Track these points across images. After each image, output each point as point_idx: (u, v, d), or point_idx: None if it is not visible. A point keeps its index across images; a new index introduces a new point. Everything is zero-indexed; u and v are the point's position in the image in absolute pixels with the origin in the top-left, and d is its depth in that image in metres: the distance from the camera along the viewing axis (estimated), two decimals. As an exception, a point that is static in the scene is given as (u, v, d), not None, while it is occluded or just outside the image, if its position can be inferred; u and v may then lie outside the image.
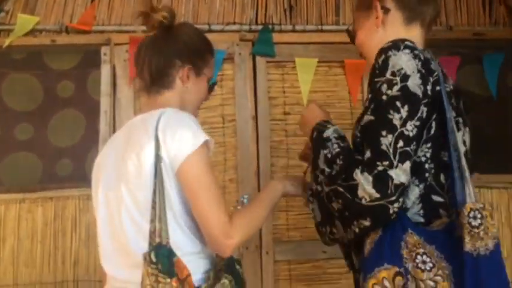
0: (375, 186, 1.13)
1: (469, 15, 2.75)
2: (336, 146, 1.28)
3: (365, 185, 1.14)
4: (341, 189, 1.18)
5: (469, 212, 1.15)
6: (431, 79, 1.22)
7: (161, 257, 1.19)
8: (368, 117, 1.22)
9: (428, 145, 1.22)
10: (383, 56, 1.23)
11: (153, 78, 1.44)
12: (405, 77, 1.19)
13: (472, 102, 2.71)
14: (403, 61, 1.20)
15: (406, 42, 1.24)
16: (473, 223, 1.14)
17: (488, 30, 2.73)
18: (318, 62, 2.61)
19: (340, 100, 2.63)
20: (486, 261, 1.13)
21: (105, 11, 2.68)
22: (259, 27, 2.65)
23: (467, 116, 1.35)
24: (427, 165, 1.23)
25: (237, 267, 1.35)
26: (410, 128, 1.16)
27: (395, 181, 1.13)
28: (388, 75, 1.20)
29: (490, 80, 2.67)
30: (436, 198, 1.23)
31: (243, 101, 2.61)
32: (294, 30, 2.68)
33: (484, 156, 2.51)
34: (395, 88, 1.18)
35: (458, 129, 1.28)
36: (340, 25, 2.70)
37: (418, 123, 1.17)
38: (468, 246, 1.12)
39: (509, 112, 2.70)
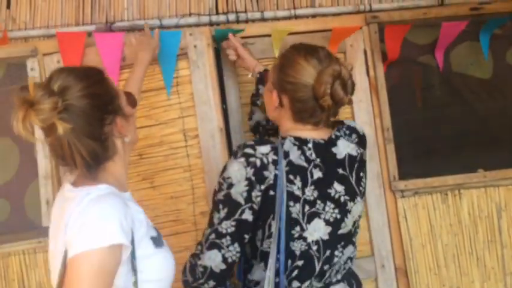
0: (189, 272, 1.43)
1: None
2: None
3: (187, 272, 1.44)
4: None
5: None
6: (260, 186, 1.39)
7: None
8: (210, 207, 1.49)
9: (271, 239, 1.41)
10: (228, 159, 1.47)
11: (93, 165, 1.26)
12: (230, 186, 1.39)
13: (471, 88, 2.41)
14: (233, 169, 1.40)
15: (246, 150, 1.41)
16: None
17: (487, 3, 2.35)
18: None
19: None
20: None
21: (27, 12, 2.13)
22: (221, 17, 2.18)
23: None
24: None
25: None
26: (224, 226, 1.40)
27: (200, 266, 1.41)
28: (221, 178, 1.43)
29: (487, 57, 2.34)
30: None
31: (205, 110, 2.08)
32: (263, 19, 2.23)
33: (489, 151, 2.24)
34: (222, 193, 1.41)
35: (339, 206, 1.46)
36: (317, 7, 2.27)
37: (234, 223, 1.39)
38: None
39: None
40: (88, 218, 1.15)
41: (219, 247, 1.40)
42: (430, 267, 2.24)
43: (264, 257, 1.44)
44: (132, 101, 1.40)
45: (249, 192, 1.38)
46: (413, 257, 2.23)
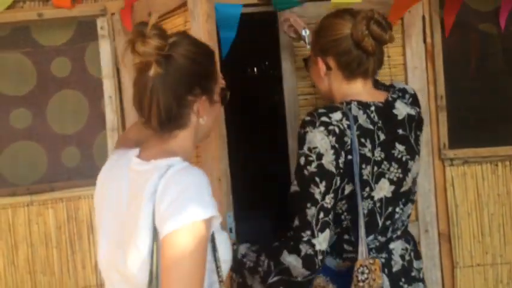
0: (304, 266, 1.36)
1: None
2: (252, 255, 1.51)
3: (296, 267, 1.37)
4: (277, 277, 1.42)
5: (359, 268, 1.40)
6: (343, 153, 1.41)
7: None
8: (294, 188, 1.45)
9: (343, 202, 1.44)
10: (302, 130, 1.43)
11: (164, 122, 1.24)
12: (320, 156, 1.38)
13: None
14: (317, 139, 1.39)
15: (322, 118, 1.41)
16: (360, 277, 1.40)
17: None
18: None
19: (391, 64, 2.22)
20: None
21: (96, -28, 2.25)
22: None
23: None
24: (343, 216, 1.46)
25: None
26: (328, 201, 1.38)
27: (320, 254, 1.36)
28: (305, 149, 1.40)
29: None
30: (347, 243, 1.48)
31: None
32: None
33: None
34: (313, 165, 1.38)
35: (401, 165, 1.51)
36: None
37: (333, 194, 1.39)
38: None
39: None
40: (182, 190, 1.12)
41: (329, 225, 1.38)
42: (474, 234, 2.28)
43: (335, 217, 1.45)
44: (223, 95, 1.39)
45: (337, 160, 1.39)
46: (458, 224, 2.28)
